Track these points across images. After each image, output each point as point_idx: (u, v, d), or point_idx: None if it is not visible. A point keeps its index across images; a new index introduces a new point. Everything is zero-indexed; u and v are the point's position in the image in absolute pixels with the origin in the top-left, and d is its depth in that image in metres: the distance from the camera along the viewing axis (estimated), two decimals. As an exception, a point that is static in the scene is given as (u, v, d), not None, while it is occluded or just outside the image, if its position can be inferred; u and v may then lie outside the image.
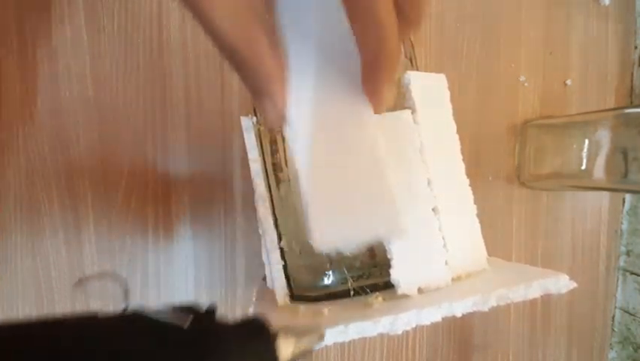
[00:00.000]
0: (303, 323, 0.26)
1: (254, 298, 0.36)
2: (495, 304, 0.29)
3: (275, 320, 0.25)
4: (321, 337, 0.26)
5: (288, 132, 0.25)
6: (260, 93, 0.24)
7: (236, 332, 0.24)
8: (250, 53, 0.21)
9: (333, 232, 0.25)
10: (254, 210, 0.37)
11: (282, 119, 0.25)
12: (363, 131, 0.25)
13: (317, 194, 0.25)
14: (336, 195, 0.25)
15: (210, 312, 0.24)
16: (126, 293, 0.24)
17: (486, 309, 0.29)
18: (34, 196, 0.47)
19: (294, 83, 0.25)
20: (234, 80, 0.49)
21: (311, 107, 0.25)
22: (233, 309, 0.51)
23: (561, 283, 0.31)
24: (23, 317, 0.20)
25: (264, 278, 0.37)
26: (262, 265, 0.38)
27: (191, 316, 0.22)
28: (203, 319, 0.23)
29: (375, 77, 0.23)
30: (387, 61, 0.22)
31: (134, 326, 0.21)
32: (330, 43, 0.25)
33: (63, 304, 0.48)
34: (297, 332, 0.25)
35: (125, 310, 0.22)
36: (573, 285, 0.30)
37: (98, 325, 0.21)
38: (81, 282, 0.20)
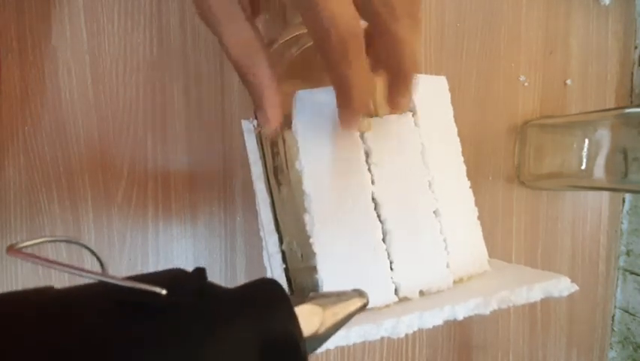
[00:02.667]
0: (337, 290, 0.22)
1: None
2: (497, 308, 0.29)
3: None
4: (365, 305, 0.21)
5: (307, 219, 0.32)
6: (257, 107, 0.30)
7: (238, 298, 0.18)
8: (251, 76, 0.29)
9: None
10: (254, 209, 0.37)
11: (272, 132, 0.31)
12: (369, 217, 0.32)
13: (329, 269, 0.31)
14: (343, 268, 0.31)
15: (198, 275, 0.19)
16: (101, 262, 0.19)
17: (487, 312, 0.29)
18: (34, 196, 0.47)
19: (312, 181, 0.32)
20: (234, 80, 0.49)
21: (327, 197, 0.32)
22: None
23: (562, 286, 0.31)
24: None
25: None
26: (263, 264, 0.38)
27: (174, 282, 0.17)
28: (189, 283, 0.18)
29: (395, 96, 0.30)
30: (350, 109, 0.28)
31: (97, 299, 0.17)
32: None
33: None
34: (328, 299, 0.20)
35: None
36: (575, 288, 0.31)
37: (55, 299, 0.17)
38: (14, 248, 0.15)
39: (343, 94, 0.27)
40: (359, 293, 0.21)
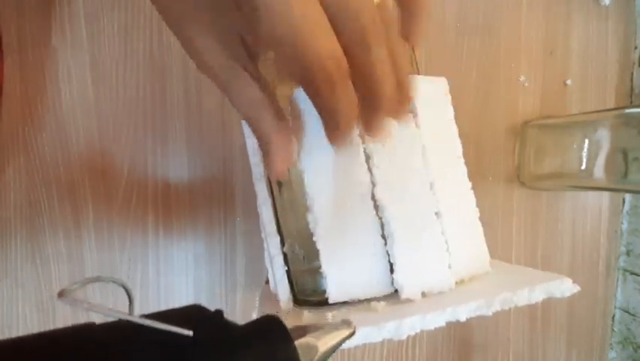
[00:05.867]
0: (328, 321, 0.26)
1: (257, 303, 0.36)
2: (499, 309, 0.29)
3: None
4: (352, 333, 0.24)
5: (310, 218, 0.32)
6: (264, 155, 0.30)
7: (250, 335, 0.22)
8: (259, 129, 0.29)
9: (343, 290, 0.32)
10: (254, 210, 0.37)
11: (277, 175, 0.29)
12: (369, 214, 0.32)
13: (332, 263, 0.32)
14: (346, 263, 0.32)
15: (218, 317, 0.22)
16: (130, 298, 0.23)
17: (490, 313, 0.29)
18: (34, 196, 0.47)
19: (314, 181, 0.32)
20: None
21: (329, 200, 0.32)
22: (233, 309, 0.51)
23: (564, 287, 0.31)
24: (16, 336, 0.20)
25: (267, 282, 0.37)
26: (263, 265, 0.38)
27: (196, 322, 0.20)
28: (210, 324, 0.21)
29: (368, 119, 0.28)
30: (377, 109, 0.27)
31: (133, 338, 0.20)
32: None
33: (63, 305, 0.48)
34: (321, 331, 0.23)
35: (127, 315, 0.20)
36: (576, 288, 0.31)
37: (95, 338, 0.20)
38: (65, 293, 0.19)
39: (328, 120, 0.26)
40: (347, 323, 0.25)
